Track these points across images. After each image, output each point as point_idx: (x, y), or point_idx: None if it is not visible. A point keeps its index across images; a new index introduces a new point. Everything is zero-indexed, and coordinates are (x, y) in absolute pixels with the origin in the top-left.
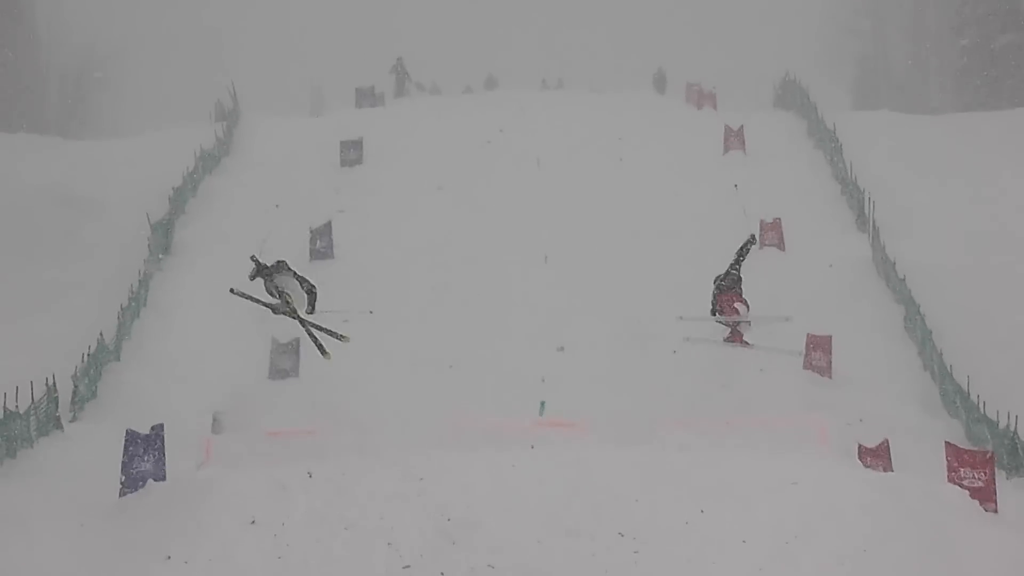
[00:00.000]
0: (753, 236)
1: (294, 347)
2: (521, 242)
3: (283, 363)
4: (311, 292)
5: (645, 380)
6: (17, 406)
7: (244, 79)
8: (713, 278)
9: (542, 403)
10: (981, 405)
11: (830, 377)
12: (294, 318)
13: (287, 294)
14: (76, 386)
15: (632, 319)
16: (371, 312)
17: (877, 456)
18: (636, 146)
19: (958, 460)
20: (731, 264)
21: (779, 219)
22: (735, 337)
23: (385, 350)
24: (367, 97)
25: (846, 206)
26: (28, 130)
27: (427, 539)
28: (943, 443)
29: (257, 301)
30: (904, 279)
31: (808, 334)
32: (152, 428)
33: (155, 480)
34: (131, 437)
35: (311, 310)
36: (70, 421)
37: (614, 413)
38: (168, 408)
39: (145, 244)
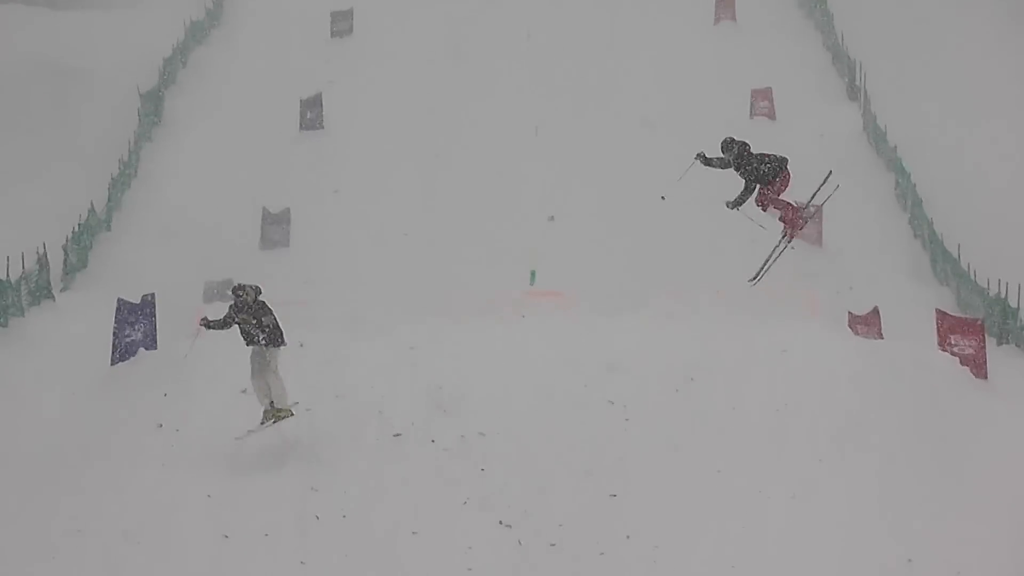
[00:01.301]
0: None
1: (285, 217)
2: (512, 114)
3: (274, 234)
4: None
5: (635, 250)
6: (8, 276)
7: None
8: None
9: (532, 272)
10: (972, 273)
11: (820, 246)
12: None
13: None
14: (67, 256)
15: (622, 189)
16: (336, 192)
17: (867, 324)
18: (628, 18)
19: (949, 328)
20: (754, 156)
21: (770, 87)
22: (792, 228)
23: (375, 222)
24: None
25: (837, 76)
26: (16, 0)
27: (418, 408)
28: (934, 311)
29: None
30: (895, 148)
31: (798, 202)
32: (143, 298)
33: (146, 349)
34: (122, 307)
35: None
36: (61, 291)
37: (604, 283)
38: (159, 278)
39: (135, 115)
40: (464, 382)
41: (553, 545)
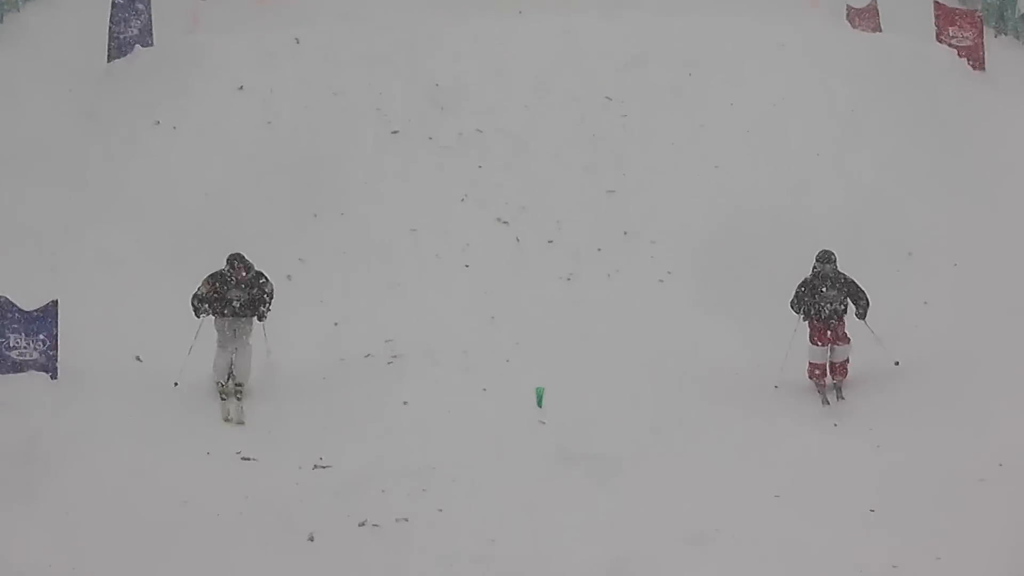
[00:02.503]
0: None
1: None
2: None
3: None
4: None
5: None
6: None
7: None
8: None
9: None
10: None
11: None
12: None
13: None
14: None
15: None
16: None
17: (866, 17)
18: None
19: (947, 19)
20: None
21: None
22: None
23: None
24: None
25: None
26: None
27: (416, 105)
28: (932, 3)
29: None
30: None
31: None
32: None
33: (143, 46)
34: (118, 3)
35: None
36: None
37: None
38: None
39: None
40: (462, 79)
41: (551, 242)
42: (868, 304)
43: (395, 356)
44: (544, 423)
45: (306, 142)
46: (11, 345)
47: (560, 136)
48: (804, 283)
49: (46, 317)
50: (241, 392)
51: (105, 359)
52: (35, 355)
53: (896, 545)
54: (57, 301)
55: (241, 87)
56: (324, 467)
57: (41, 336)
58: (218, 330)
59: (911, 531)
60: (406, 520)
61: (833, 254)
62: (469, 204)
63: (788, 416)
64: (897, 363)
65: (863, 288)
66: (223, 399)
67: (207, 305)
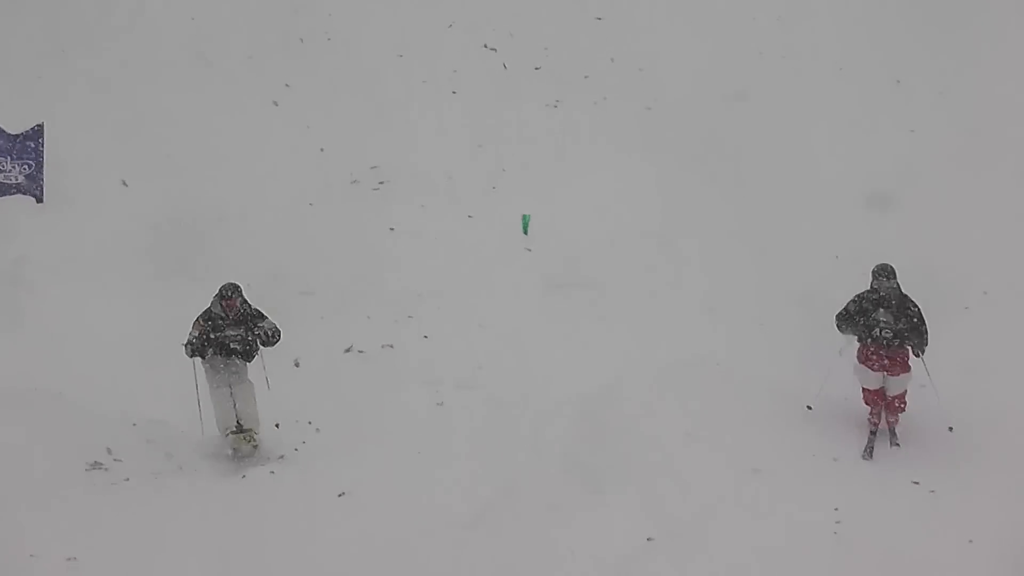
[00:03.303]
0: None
1: None
2: None
3: None
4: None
5: None
6: None
7: None
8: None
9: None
10: None
11: None
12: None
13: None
14: None
15: None
16: None
17: None
18: None
19: None
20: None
21: None
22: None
23: None
24: None
25: None
26: None
27: None
28: None
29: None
30: None
31: None
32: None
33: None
34: None
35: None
36: None
37: None
38: None
39: None
40: None
41: (538, 68)
42: (926, 341)
43: (381, 182)
44: (530, 250)
45: None
46: None
47: None
48: (857, 299)
49: (32, 140)
50: (255, 440)
51: (91, 185)
52: (20, 179)
53: None
54: (43, 124)
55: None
56: (307, 293)
57: (27, 160)
58: (209, 370)
59: None
60: (391, 347)
61: (893, 269)
62: (456, 30)
63: None
64: (951, 428)
65: (924, 321)
66: (235, 450)
67: (205, 348)
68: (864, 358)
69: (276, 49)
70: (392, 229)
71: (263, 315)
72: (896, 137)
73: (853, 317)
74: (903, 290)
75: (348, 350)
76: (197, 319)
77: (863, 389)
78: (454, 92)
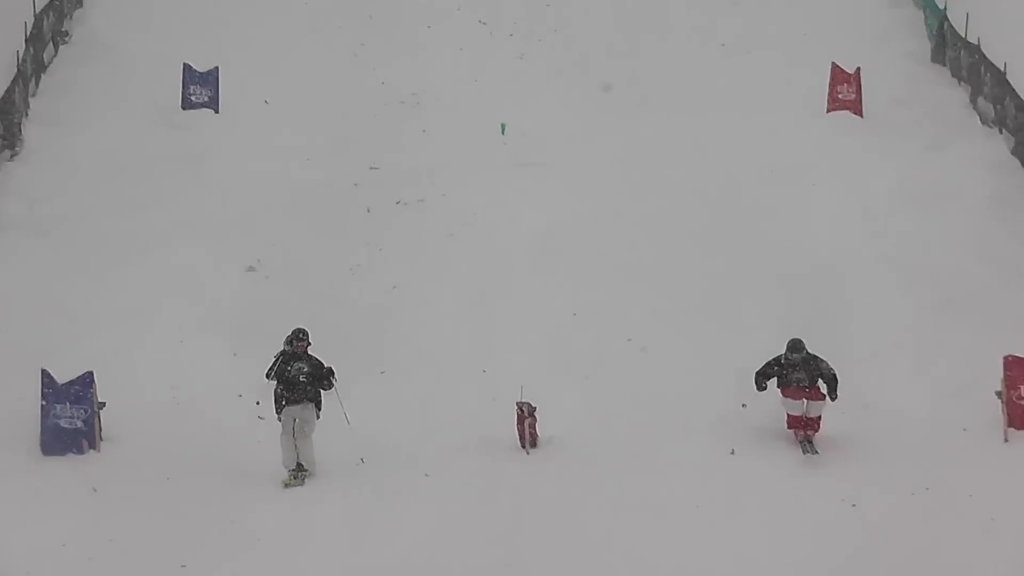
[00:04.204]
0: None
1: None
2: None
3: None
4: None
5: None
6: None
7: None
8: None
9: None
10: None
11: None
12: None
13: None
14: None
15: None
16: None
17: None
18: None
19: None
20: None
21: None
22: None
23: None
24: None
25: None
26: None
27: None
28: None
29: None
30: None
31: None
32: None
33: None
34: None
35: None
36: None
37: None
38: None
39: None
40: None
41: (511, 35)
42: (837, 382)
43: (418, 103)
44: (506, 144)
45: None
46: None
47: None
48: (772, 362)
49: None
50: (307, 478)
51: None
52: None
53: None
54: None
55: None
56: (375, 168)
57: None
58: (283, 420)
59: None
60: (422, 201)
61: (802, 343)
62: (464, 11)
63: None
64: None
65: (832, 368)
66: (286, 484)
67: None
68: (789, 393)
69: (356, 22)
70: (424, 131)
71: (322, 363)
72: None
73: (768, 376)
74: (811, 352)
75: (398, 203)
76: (274, 356)
77: (787, 415)
78: (461, 49)
